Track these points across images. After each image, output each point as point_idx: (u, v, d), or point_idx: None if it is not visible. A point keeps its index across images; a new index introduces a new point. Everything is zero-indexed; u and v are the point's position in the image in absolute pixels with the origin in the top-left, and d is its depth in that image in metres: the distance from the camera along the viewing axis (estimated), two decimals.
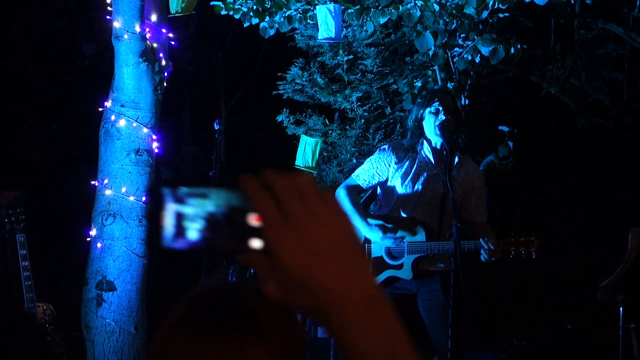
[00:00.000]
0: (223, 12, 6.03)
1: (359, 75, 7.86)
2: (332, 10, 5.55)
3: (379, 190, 5.24)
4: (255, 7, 5.89)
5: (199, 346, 1.40)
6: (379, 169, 5.13)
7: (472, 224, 5.06)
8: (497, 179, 8.08)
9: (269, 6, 5.92)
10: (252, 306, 1.44)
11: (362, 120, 7.85)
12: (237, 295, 1.47)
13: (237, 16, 6.01)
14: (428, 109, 5.01)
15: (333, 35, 5.60)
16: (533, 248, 4.68)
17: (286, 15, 5.95)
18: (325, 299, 1.08)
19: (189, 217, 1.13)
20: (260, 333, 1.41)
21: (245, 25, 6.10)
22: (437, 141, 4.99)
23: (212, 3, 6.03)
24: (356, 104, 7.86)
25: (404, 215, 5.02)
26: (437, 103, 4.99)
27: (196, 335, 1.41)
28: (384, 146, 5.25)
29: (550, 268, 11.23)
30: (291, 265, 1.08)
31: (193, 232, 1.13)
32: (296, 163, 6.89)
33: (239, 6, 6.01)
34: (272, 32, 6.11)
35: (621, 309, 5.25)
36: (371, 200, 5.56)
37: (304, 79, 7.96)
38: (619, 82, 8.81)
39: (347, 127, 7.90)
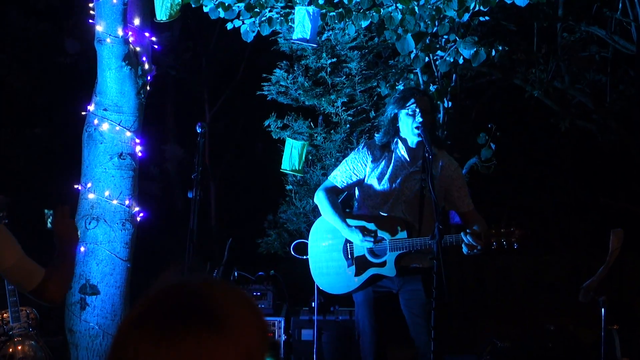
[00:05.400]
0: (194, 4, 5.99)
1: (343, 78, 7.86)
2: (311, 13, 5.55)
3: (356, 190, 5.23)
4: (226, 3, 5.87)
5: (159, 344, 1.39)
6: (355, 169, 5.13)
7: (461, 215, 5.13)
8: (481, 182, 8.10)
9: (245, 4, 5.90)
10: (213, 303, 1.44)
11: (347, 125, 7.85)
12: (198, 293, 1.46)
13: (205, 10, 5.98)
14: (404, 110, 5.01)
15: (308, 37, 5.57)
16: (513, 238, 4.67)
17: (266, 17, 5.94)
18: None
19: None
20: (221, 331, 1.41)
21: (229, 28, 6.07)
22: (413, 140, 5.00)
23: None
24: (341, 108, 7.86)
25: (383, 214, 5.03)
26: (414, 104, 4.99)
27: (156, 333, 1.40)
28: (359, 146, 5.25)
29: (534, 269, 11.29)
30: None
31: None
32: (282, 166, 6.89)
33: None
34: (253, 35, 6.09)
35: (603, 309, 5.29)
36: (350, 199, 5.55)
37: (288, 81, 7.96)
38: (602, 84, 8.86)
39: (332, 131, 7.90)
